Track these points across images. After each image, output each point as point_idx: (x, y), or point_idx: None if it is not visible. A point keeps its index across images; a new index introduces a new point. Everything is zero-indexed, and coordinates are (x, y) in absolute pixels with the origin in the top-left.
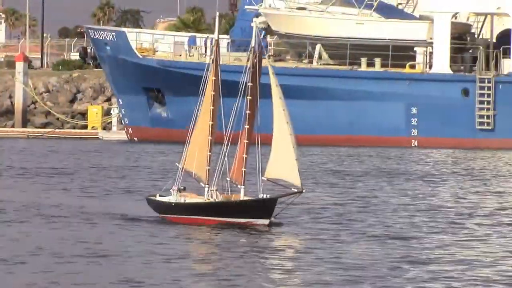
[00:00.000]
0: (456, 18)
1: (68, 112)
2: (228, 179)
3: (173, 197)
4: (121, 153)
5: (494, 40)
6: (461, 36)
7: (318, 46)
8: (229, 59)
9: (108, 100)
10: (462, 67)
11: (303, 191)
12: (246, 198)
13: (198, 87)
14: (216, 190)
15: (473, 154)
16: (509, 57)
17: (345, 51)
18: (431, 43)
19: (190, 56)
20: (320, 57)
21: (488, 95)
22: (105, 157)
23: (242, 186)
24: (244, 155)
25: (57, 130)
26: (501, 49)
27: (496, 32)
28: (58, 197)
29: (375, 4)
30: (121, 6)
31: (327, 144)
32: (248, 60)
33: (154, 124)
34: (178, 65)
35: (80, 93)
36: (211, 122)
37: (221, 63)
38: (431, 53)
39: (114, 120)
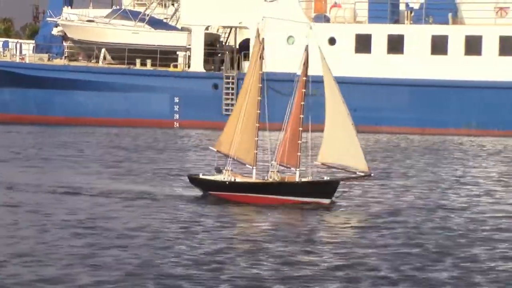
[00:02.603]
0: (208, 29)
1: None
2: (274, 162)
3: (224, 177)
4: None
5: (237, 47)
6: (212, 43)
7: (103, 50)
8: (34, 59)
9: None
10: (213, 67)
11: (371, 174)
12: (305, 179)
13: (7, 80)
14: (277, 171)
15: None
16: (248, 60)
17: (124, 54)
18: (190, 48)
19: (4, 56)
20: (104, 58)
21: (232, 89)
22: None
23: (298, 169)
24: (299, 141)
25: None
26: (242, 53)
27: (238, 41)
28: None
29: (147, 18)
30: None
31: (109, 125)
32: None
33: None
34: None
35: None
36: (258, 111)
37: (27, 61)
38: (189, 56)
39: None
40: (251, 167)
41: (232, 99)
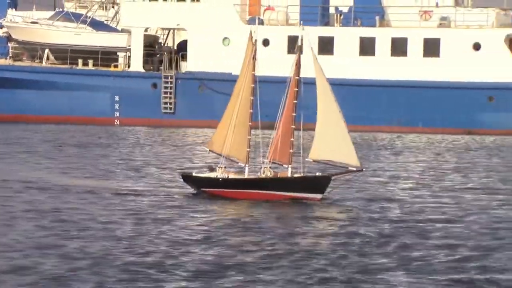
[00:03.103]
0: (147, 31)
1: None
2: (266, 160)
3: (218, 174)
4: None
5: (175, 48)
6: (152, 44)
7: (46, 50)
8: None
9: None
10: (152, 67)
11: (363, 169)
12: (297, 175)
13: None
14: (270, 167)
15: (160, 130)
16: (186, 60)
17: (66, 54)
18: (130, 49)
19: None
20: (48, 58)
21: (171, 88)
22: None
23: (290, 165)
24: (291, 139)
25: None
26: (180, 54)
27: (176, 42)
28: None
29: (88, 20)
30: None
31: (51, 122)
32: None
33: None
34: None
35: None
36: (251, 110)
37: None
38: (129, 56)
39: None
40: (243, 165)
41: (170, 97)
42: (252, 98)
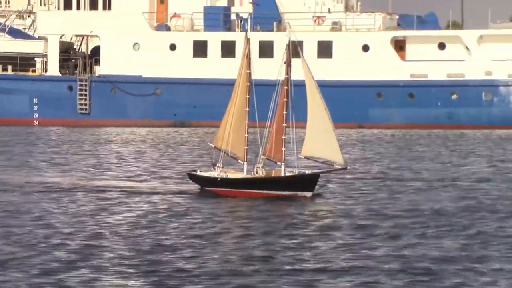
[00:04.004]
0: (62, 38)
1: None
2: (263, 157)
3: (216, 173)
4: None
5: (89, 53)
6: (67, 50)
7: None
8: None
9: None
10: (67, 71)
11: (347, 167)
12: (289, 173)
13: None
14: (262, 167)
15: (78, 129)
16: (99, 65)
17: None
18: (46, 55)
19: None
20: None
21: (85, 90)
22: None
23: (283, 163)
24: (283, 137)
25: None
26: (94, 59)
27: (90, 47)
28: None
29: (7, 28)
30: None
31: None
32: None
33: None
34: None
35: None
36: (247, 109)
37: None
38: (46, 62)
39: None
40: (242, 162)
41: (85, 99)
42: (247, 96)
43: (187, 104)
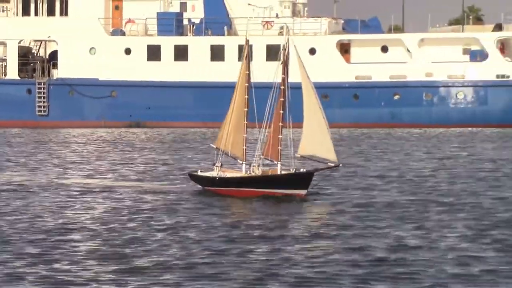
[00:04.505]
0: (21, 43)
1: None
2: (262, 156)
3: (215, 173)
4: None
5: (47, 57)
6: (25, 54)
7: None
8: None
9: None
10: (26, 75)
11: (340, 165)
12: (284, 172)
13: None
14: (258, 166)
15: (38, 131)
16: (57, 68)
17: None
18: (6, 59)
19: None
20: None
21: (44, 93)
22: None
23: (279, 162)
24: (280, 136)
25: None
26: (51, 63)
27: (48, 52)
28: None
29: None
30: None
31: None
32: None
33: None
34: None
35: None
36: (245, 109)
37: None
38: (5, 66)
39: None
40: (241, 162)
41: (44, 101)
42: (246, 97)
43: (141, 105)
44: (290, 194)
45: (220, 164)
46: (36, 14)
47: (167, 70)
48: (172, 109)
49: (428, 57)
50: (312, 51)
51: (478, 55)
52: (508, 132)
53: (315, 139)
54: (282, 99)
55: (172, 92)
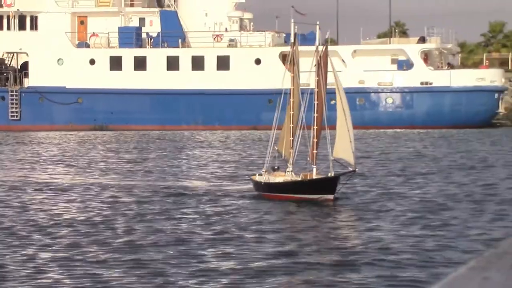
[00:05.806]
0: None
1: None
2: (308, 159)
3: (264, 177)
4: None
5: (19, 67)
6: None
7: None
8: None
9: None
10: (0, 83)
11: (356, 170)
12: (316, 176)
13: None
14: (292, 171)
15: (13, 134)
16: (28, 77)
17: None
18: None
19: None
20: None
21: (16, 100)
22: None
23: (314, 166)
24: (315, 139)
25: None
26: (23, 72)
27: (20, 63)
28: None
29: None
30: None
31: None
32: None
33: None
34: None
35: None
36: (292, 112)
37: None
38: None
39: None
40: (289, 165)
41: (16, 107)
42: (292, 100)
43: (105, 110)
44: (320, 199)
45: (276, 166)
46: (8, 28)
47: (128, 79)
48: (132, 114)
49: (360, 67)
50: (258, 61)
51: (405, 65)
52: (431, 132)
53: (345, 143)
54: (316, 101)
55: (132, 99)
